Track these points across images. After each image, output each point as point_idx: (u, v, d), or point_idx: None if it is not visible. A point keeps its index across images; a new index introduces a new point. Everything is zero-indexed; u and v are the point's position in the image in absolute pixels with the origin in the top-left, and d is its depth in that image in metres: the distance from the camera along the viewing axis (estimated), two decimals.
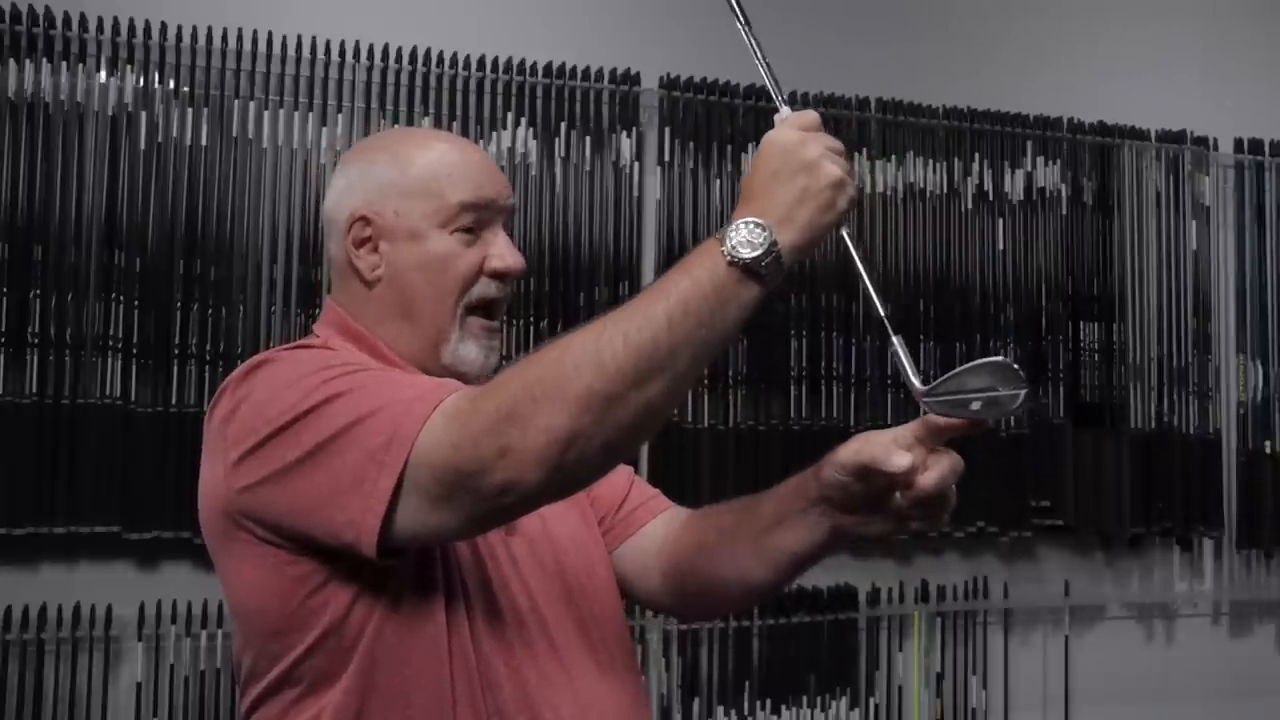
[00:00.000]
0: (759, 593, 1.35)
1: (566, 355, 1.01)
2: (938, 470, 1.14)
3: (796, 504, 1.25)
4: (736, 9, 1.24)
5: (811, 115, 1.12)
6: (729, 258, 1.03)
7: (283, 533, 1.14)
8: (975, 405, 1.13)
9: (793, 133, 1.10)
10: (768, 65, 1.22)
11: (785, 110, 1.16)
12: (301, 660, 1.16)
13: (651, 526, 1.41)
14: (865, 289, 1.25)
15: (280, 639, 1.17)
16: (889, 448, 1.14)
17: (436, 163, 1.29)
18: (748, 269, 1.03)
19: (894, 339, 1.18)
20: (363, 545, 1.07)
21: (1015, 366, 1.13)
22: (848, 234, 1.15)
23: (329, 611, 1.14)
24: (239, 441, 1.15)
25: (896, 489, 1.16)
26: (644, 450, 2.92)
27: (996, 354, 3.20)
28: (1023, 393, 1.12)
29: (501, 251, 1.29)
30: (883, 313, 1.23)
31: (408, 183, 1.28)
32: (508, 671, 1.19)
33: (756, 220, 1.04)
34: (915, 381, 1.16)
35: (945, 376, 1.15)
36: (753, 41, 1.23)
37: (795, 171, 1.07)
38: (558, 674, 1.22)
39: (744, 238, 1.03)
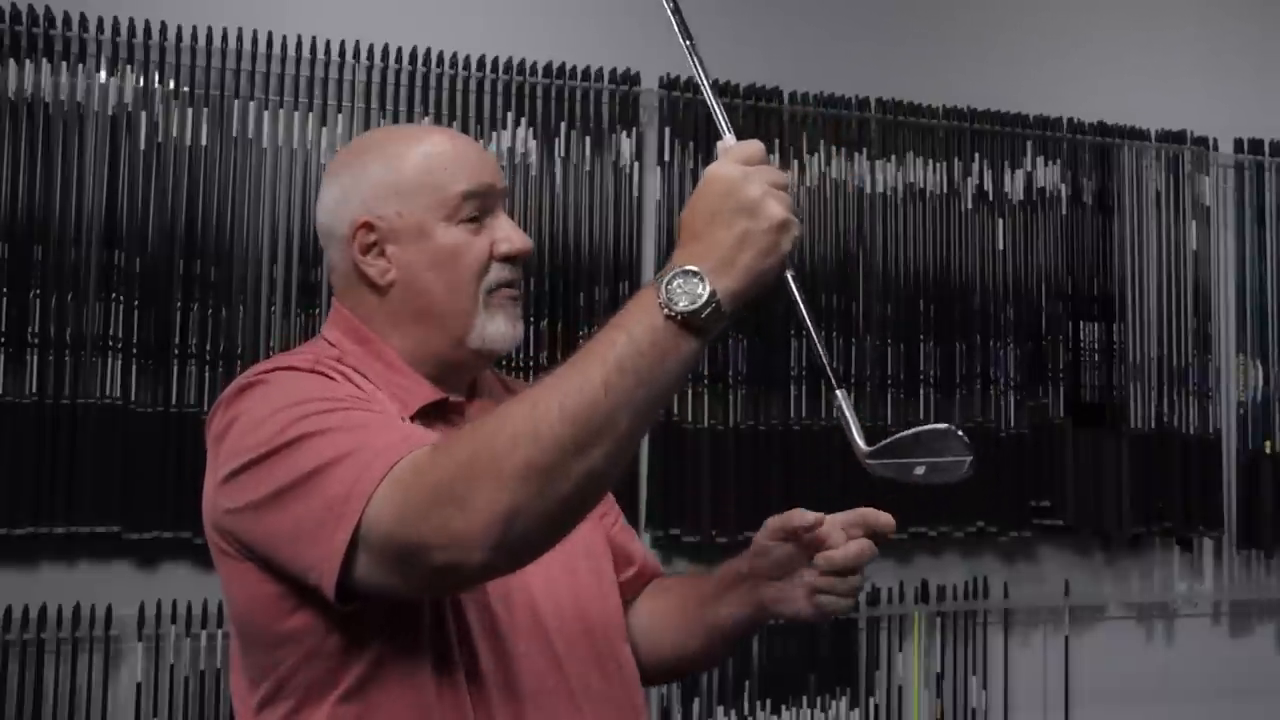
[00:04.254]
0: (691, 662, 1.44)
1: (502, 429, 0.98)
2: (853, 546, 1.23)
3: (730, 578, 1.34)
4: (677, 26, 1.19)
5: (755, 146, 1.07)
6: (666, 310, 0.99)
7: (259, 558, 1.14)
8: (919, 470, 1.16)
9: (734, 168, 1.04)
10: (712, 84, 1.18)
11: (729, 138, 1.11)
12: (293, 673, 1.16)
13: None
14: (809, 336, 1.22)
15: (271, 652, 1.17)
16: (803, 512, 1.25)
17: (430, 156, 1.28)
18: (686, 322, 0.99)
19: (837, 393, 1.19)
20: (325, 590, 1.06)
21: (961, 434, 1.15)
22: (792, 275, 1.11)
23: (311, 630, 1.13)
24: (225, 463, 1.15)
25: (812, 557, 1.26)
26: (644, 450, 2.92)
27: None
28: (968, 460, 1.14)
29: (508, 234, 1.28)
30: (826, 362, 1.22)
31: (404, 181, 1.26)
32: (504, 680, 1.19)
33: (694, 269, 1.00)
34: (859, 442, 1.18)
35: (890, 439, 1.17)
36: (696, 61, 1.19)
37: (736, 212, 1.02)
38: (560, 693, 1.22)
39: (681, 289, 0.99)
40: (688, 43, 1.19)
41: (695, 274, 1.00)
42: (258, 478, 1.11)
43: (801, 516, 1.25)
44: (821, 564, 1.24)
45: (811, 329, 1.22)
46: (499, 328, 1.27)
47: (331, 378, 1.19)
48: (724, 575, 1.35)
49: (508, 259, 1.28)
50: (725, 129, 1.14)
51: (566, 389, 0.98)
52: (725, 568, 1.36)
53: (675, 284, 0.99)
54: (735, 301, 1.01)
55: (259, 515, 1.11)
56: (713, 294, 0.99)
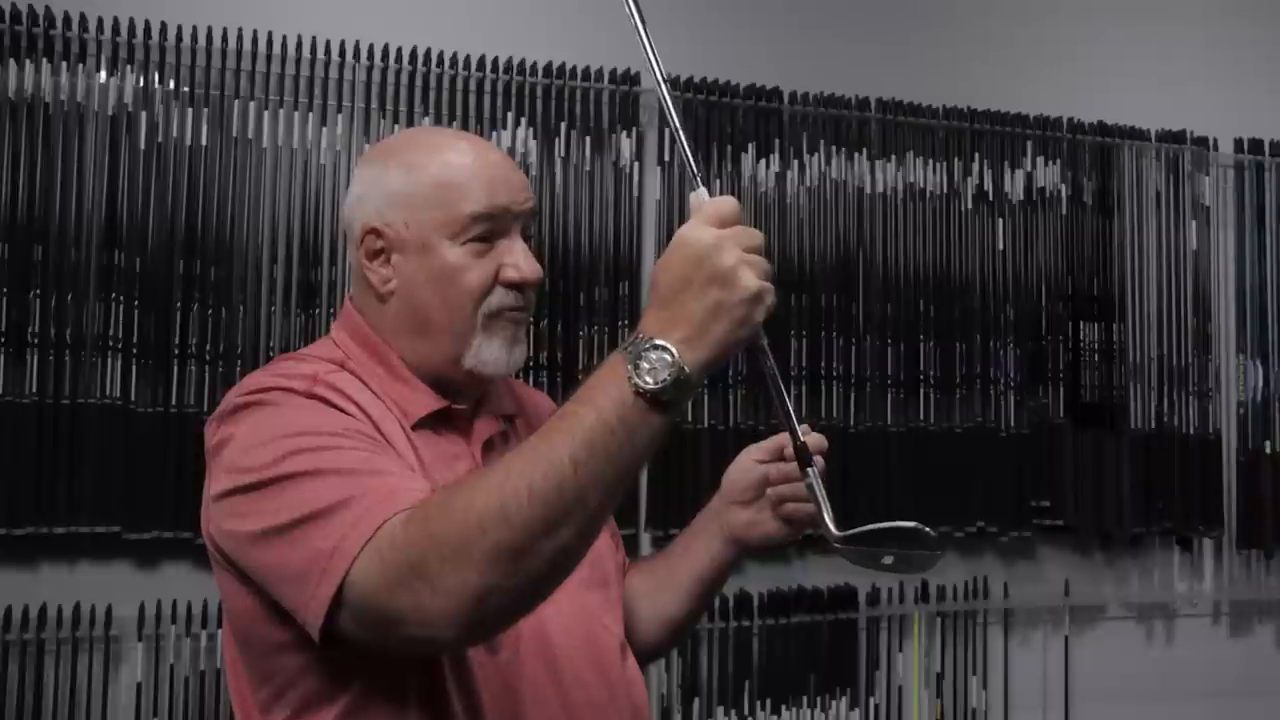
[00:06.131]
0: (677, 625, 1.46)
1: (471, 510, 0.97)
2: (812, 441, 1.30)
3: (699, 522, 1.43)
4: (659, 78, 1.17)
5: (729, 206, 1.03)
6: (635, 387, 0.98)
7: (248, 578, 1.14)
8: (887, 559, 1.20)
9: (707, 232, 1.01)
10: (683, 136, 1.16)
11: (702, 191, 1.08)
12: (292, 683, 1.16)
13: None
14: (781, 407, 1.24)
15: (270, 659, 1.17)
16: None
17: (448, 169, 1.24)
18: (655, 398, 0.98)
19: (810, 471, 1.21)
20: (310, 632, 1.06)
21: (930, 531, 1.18)
22: (765, 344, 1.10)
23: (308, 642, 1.12)
24: (219, 480, 1.15)
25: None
26: None
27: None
28: (935, 555, 1.19)
29: (516, 261, 1.25)
30: (800, 439, 1.24)
31: (417, 192, 1.24)
32: (502, 692, 1.18)
33: (663, 344, 0.98)
34: (830, 525, 1.21)
35: (862, 530, 1.20)
36: (670, 109, 1.17)
37: (708, 282, 0.99)
38: (557, 704, 1.22)
39: (650, 364, 0.98)
40: (665, 87, 1.19)
41: (665, 348, 0.98)
42: (247, 507, 1.10)
43: (784, 436, 1.34)
44: (782, 471, 1.36)
45: (785, 400, 1.22)
46: (494, 352, 1.25)
47: (329, 401, 1.17)
48: (695, 523, 1.45)
49: (513, 286, 1.25)
50: (698, 180, 1.10)
51: (536, 469, 0.97)
52: (697, 517, 1.45)
53: (644, 358, 0.98)
54: (705, 373, 1.01)
55: (247, 547, 1.11)
56: (682, 369, 0.98)
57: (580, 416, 0.98)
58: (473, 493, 0.99)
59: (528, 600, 1.03)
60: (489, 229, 1.24)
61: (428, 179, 1.24)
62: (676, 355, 0.98)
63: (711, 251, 1.00)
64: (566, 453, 0.97)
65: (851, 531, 1.21)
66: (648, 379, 0.98)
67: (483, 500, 0.97)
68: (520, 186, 1.27)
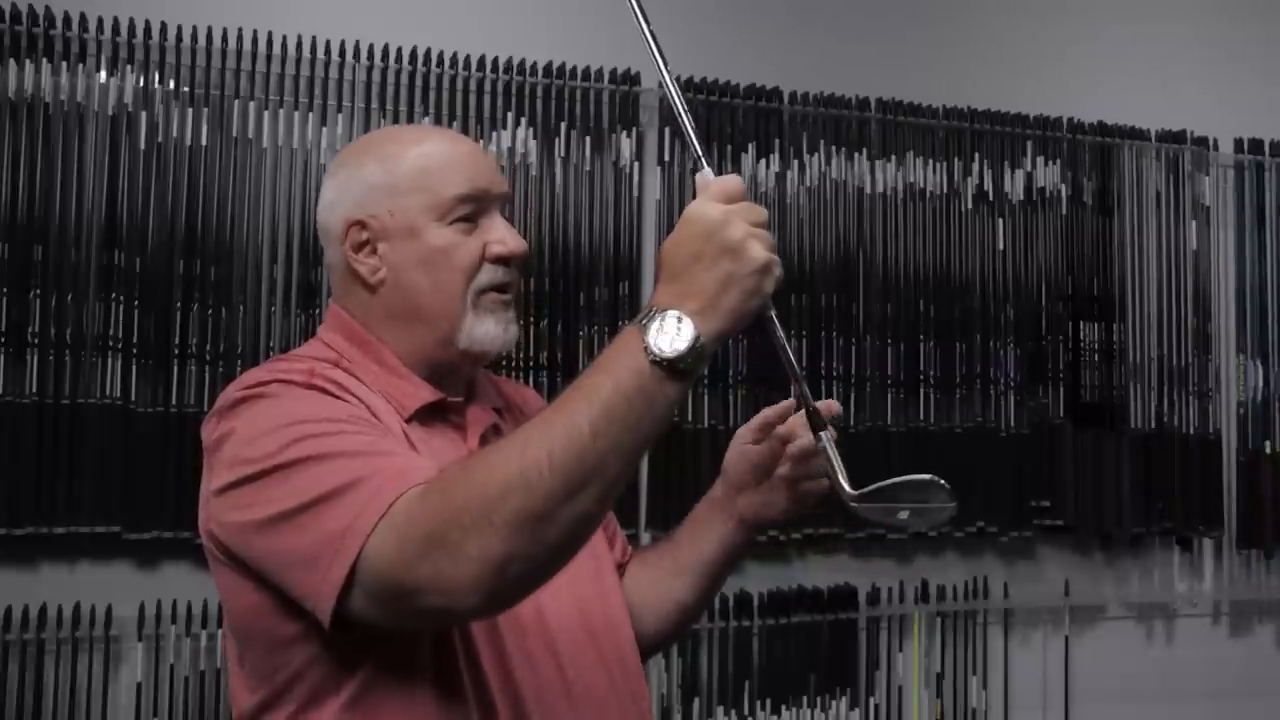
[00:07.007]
0: (687, 610, 1.45)
1: (493, 477, 0.98)
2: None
3: (705, 508, 1.41)
4: (658, 58, 1.19)
5: (734, 183, 1.07)
6: (651, 356, 1.00)
7: (252, 572, 1.14)
8: (903, 514, 1.21)
9: (715, 208, 1.05)
10: (688, 118, 1.19)
11: (707, 171, 1.12)
12: (295, 679, 1.16)
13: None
14: (791, 374, 1.25)
15: (272, 656, 1.17)
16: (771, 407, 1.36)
17: (426, 157, 1.28)
18: (671, 366, 1.00)
19: (823, 435, 1.22)
20: (320, 619, 1.06)
21: (944, 483, 1.19)
22: (774, 315, 1.12)
23: (312, 636, 1.12)
24: (220, 474, 1.15)
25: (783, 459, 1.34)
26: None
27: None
28: (951, 507, 1.19)
29: (501, 236, 1.28)
30: (812, 404, 1.24)
31: (399, 181, 1.27)
32: (507, 685, 1.18)
33: (678, 313, 1.01)
34: (844, 485, 1.22)
35: (876, 486, 1.21)
36: (674, 93, 1.19)
37: (718, 255, 1.03)
38: (562, 697, 1.22)
39: (667, 334, 1.00)
40: (666, 69, 1.20)
41: (680, 319, 1.01)
42: (252, 497, 1.10)
43: (771, 409, 1.36)
44: (794, 452, 1.33)
45: (795, 368, 1.23)
46: (487, 330, 1.27)
47: (328, 392, 1.18)
48: (699, 510, 1.43)
49: (500, 261, 1.28)
50: (703, 161, 1.14)
51: (555, 437, 0.98)
52: (699, 504, 1.43)
53: (659, 328, 1.01)
54: (718, 343, 1.03)
55: (253, 537, 1.11)
56: (697, 338, 1.01)
57: (597, 386, 1.00)
58: (492, 463, 1.00)
59: (546, 568, 1.03)
60: (472, 209, 1.27)
61: (408, 167, 1.27)
62: (692, 324, 1.01)
63: (720, 226, 1.04)
64: (585, 421, 0.98)
65: (866, 489, 1.22)
66: (665, 349, 1.00)
67: (502, 470, 0.98)
68: (494, 171, 1.32)
